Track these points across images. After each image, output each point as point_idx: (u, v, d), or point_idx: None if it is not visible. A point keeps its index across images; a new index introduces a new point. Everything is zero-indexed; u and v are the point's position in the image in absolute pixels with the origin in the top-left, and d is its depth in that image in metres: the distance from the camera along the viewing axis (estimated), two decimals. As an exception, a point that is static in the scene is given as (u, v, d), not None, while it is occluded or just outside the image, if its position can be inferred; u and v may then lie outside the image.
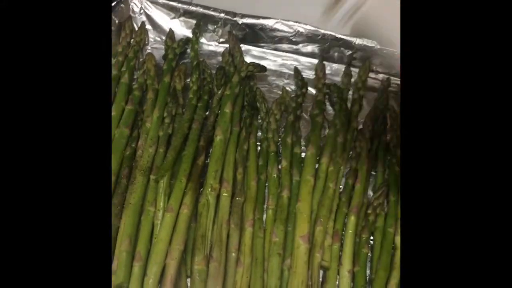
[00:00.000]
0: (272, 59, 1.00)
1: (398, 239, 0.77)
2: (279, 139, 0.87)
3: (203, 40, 1.00)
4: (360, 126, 0.90)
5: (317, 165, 0.83)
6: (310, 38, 0.97)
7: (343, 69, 0.98)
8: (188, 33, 0.99)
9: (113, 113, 0.83)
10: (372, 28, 0.96)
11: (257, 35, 0.98)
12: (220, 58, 0.97)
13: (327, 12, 0.97)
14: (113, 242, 0.72)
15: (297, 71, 0.96)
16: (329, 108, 0.94)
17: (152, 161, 0.80)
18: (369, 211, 0.80)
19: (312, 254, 0.74)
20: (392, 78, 0.98)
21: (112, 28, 0.96)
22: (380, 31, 0.95)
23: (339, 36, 0.97)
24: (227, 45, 0.98)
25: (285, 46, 0.99)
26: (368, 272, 0.77)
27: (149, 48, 0.98)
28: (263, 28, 0.98)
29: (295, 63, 0.99)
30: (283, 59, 1.00)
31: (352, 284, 0.75)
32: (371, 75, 0.98)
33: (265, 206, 0.80)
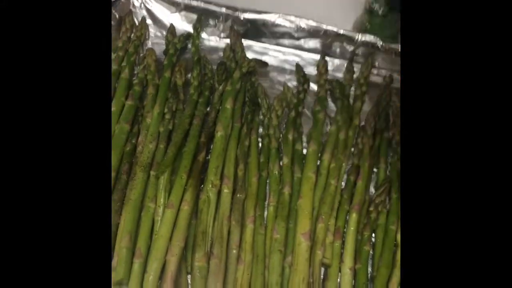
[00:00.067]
0: (273, 55, 0.99)
1: (400, 237, 0.77)
2: (281, 136, 0.86)
3: (204, 35, 0.99)
4: (362, 123, 0.90)
5: (318, 162, 0.83)
6: (312, 33, 0.97)
7: (345, 65, 0.97)
8: (189, 28, 0.98)
9: (113, 109, 0.83)
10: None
11: (259, 30, 0.98)
12: (221, 54, 0.97)
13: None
14: (113, 239, 0.71)
15: (298, 67, 0.96)
16: (331, 104, 0.93)
17: (153, 157, 0.79)
18: (371, 209, 0.79)
19: (313, 251, 0.74)
20: (394, 74, 0.97)
21: (112, 22, 0.95)
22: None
23: (341, 31, 0.96)
24: (228, 40, 0.97)
25: (286, 41, 0.99)
26: (369, 269, 0.76)
27: (150, 43, 0.98)
28: (264, 23, 0.97)
29: (297, 58, 0.98)
30: (284, 55, 0.99)
31: (353, 281, 0.74)
32: (374, 71, 0.97)
33: (266, 203, 0.79)
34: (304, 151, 0.85)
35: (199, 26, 0.97)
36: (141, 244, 0.71)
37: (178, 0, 0.98)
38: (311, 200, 0.77)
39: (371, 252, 0.77)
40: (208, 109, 0.87)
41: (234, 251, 0.73)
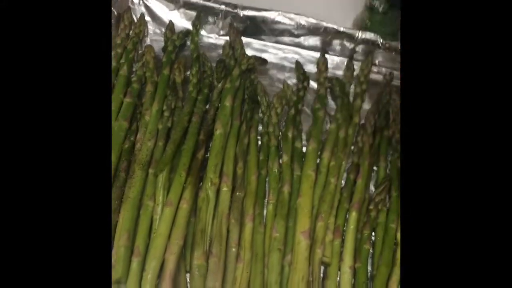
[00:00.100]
0: (273, 52, 0.98)
1: (400, 235, 0.77)
2: (280, 133, 0.85)
3: (203, 32, 0.98)
4: (362, 121, 0.89)
5: (318, 160, 0.82)
6: (312, 31, 0.96)
7: (345, 63, 0.97)
8: (188, 25, 0.97)
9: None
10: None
11: (258, 28, 0.97)
12: (220, 51, 0.96)
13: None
14: (112, 237, 0.71)
15: (298, 65, 0.95)
16: (331, 102, 0.93)
17: (151, 155, 0.79)
18: (371, 207, 0.79)
19: (313, 250, 0.73)
20: (395, 72, 0.96)
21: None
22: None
23: (341, 29, 0.95)
24: (227, 38, 0.96)
25: (286, 39, 0.98)
26: (369, 268, 0.76)
27: (148, 40, 0.97)
28: (264, 21, 0.96)
29: (297, 56, 0.98)
30: (284, 52, 0.98)
31: (353, 280, 0.74)
32: (374, 69, 0.97)
33: (265, 201, 0.78)
34: (304, 149, 0.84)
35: (198, 23, 0.96)
36: (139, 242, 0.71)
37: (177, -3, 0.97)
38: (310, 198, 0.77)
39: (371, 250, 0.77)
40: (207, 106, 0.86)
41: (233, 250, 0.72)
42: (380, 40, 0.95)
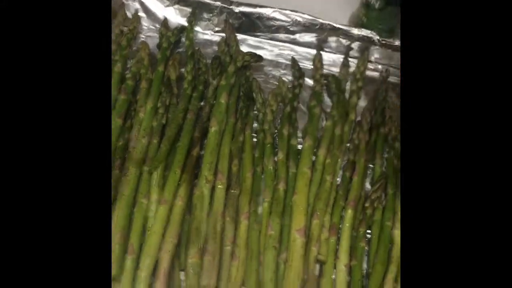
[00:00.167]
0: (268, 49, 0.98)
1: (395, 233, 0.76)
2: (276, 131, 0.85)
3: (198, 28, 0.98)
4: (358, 118, 0.89)
5: (314, 157, 0.82)
6: (308, 27, 0.96)
7: (341, 60, 0.96)
8: (183, 22, 0.96)
9: (105, 103, 0.81)
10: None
11: (254, 24, 0.96)
12: (215, 48, 0.95)
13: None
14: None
15: (294, 61, 0.94)
16: (326, 99, 0.92)
17: (146, 152, 0.78)
18: (367, 205, 0.79)
19: (308, 248, 0.73)
20: (391, 69, 0.96)
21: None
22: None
23: (337, 25, 0.95)
24: (223, 34, 0.96)
25: (282, 35, 0.97)
26: (365, 266, 0.76)
27: (143, 36, 0.96)
28: (259, 17, 0.96)
29: (292, 53, 0.97)
30: (280, 49, 0.98)
31: (348, 278, 0.73)
32: (370, 65, 0.96)
33: (260, 199, 0.78)
34: (299, 146, 0.84)
35: (193, 19, 0.95)
36: (133, 240, 0.70)
37: (171, -7, 0.96)
38: (306, 196, 0.76)
39: (366, 248, 0.77)
40: (202, 103, 0.86)
41: (228, 247, 0.72)
42: (376, 37, 0.95)
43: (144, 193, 0.74)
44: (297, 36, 0.97)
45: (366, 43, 0.95)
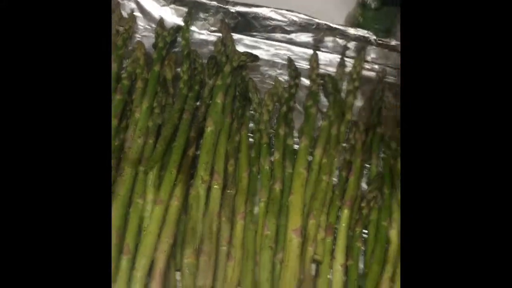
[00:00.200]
0: (265, 49, 0.97)
1: (392, 233, 0.76)
2: (272, 131, 0.85)
3: (194, 28, 0.98)
4: (355, 118, 0.89)
5: (310, 157, 0.82)
6: (304, 27, 0.95)
7: (337, 59, 0.96)
8: (179, 21, 0.96)
9: (101, 103, 0.81)
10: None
11: (250, 24, 0.96)
12: (211, 47, 0.95)
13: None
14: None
15: (290, 61, 0.94)
16: (323, 99, 0.92)
17: (141, 152, 0.78)
18: (363, 205, 0.79)
19: (304, 248, 0.73)
20: (387, 68, 0.96)
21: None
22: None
23: (334, 25, 0.95)
24: (219, 34, 0.96)
25: (278, 35, 0.97)
26: (361, 266, 0.76)
27: (139, 36, 0.96)
28: (255, 17, 0.95)
29: (289, 53, 0.97)
30: (276, 49, 0.98)
31: (345, 278, 0.73)
32: (366, 65, 0.96)
33: (257, 199, 0.78)
34: (296, 146, 0.84)
35: (189, 19, 0.95)
36: (129, 240, 0.70)
37: (167, -8, 0.96)
38: (302, 196, 0.76)
39: (362, 248, 0.77)
40: (198, 103, 0.85)
41: (224, 248, 0.72)
42: (372, 37, 0.95)
43: (139, 193, 0.74)
44: (293, 36, 0.97)
45: (363, 43, 0.95)
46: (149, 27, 0.97)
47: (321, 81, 0.92)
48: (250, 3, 0.95)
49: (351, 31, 0.95)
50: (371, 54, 0.97)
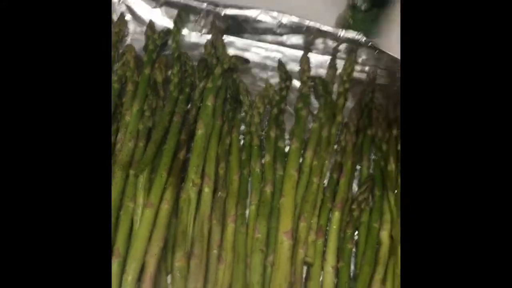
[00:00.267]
0: (255, 51, 0.97)
1: (383, 234, 0.76)
2: (263, 133, 0.85)
3: (184, 31, 0.97)
4: (346, 120, 0.89)
5: (301, 160, 0.82)
6: (295, 29, 0.95)
7: (328, 61, 0.96)
8: (170, 24, 0.96)
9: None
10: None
11: (240, 27, 0.96)
12: (202, 50, 0.95)
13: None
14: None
15: (281, 64, 0.94)
16: (314, 101, 0.92)
17: (132, 155, 0.78)
18: (354, 206, 0.79)
19: (295, 250, 0.73)
20: (378, 70, 0.96)
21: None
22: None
23: (324, 28, 0.95)
24: (209, 36, 0.95)
25: (269, 37, 0.97)
26: (352, 267, 0.76)
27: (129, 39, 0.95)
28: (246, 19, 0.95)
29: (279, 55, 0.97)
30: (267, 51, 0.97)
31: (336, 280, 0.74)
32: (357, 67, 0.96)
33: (247, 202, 0.78)
34: (287, 148, 0.84)
35: (179, 22, 0.95)
36: (119, 243, 0.70)
37: (157, -6, 0.96)
38: (293, 198, 0.76)
39: (353, 250, 0.77)
40: (189, 106, 0.85)
41: (215, 251, 0.71)
42: (363, 39, 0.95)
43: (130, 196, 0.74)
44: (284, 38, 0.97)
45: (353, 44, 0.95)
46: (139, 30, 0.96)
47: (312, 83, 0.92)
48: (240, 5, 0.95)
49: (342, 33, 0.95)
50: (362, 55, 0.97)
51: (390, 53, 0.87)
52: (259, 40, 0.98)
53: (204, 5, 0.95)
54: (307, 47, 0.97)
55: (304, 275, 0.74)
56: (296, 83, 0.93)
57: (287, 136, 0.86)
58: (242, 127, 0.86)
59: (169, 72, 0.89)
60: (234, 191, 0.77)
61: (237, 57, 0.90)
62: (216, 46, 0.92)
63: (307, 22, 0.95)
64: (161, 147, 0.79)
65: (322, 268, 0.74)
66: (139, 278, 0.68)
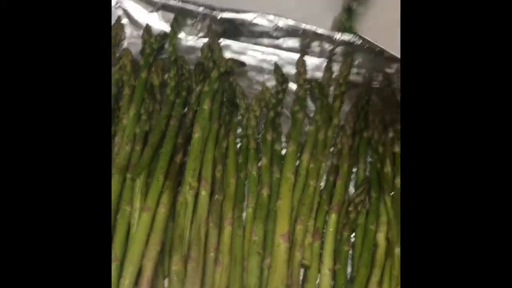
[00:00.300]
0: (252, 54, 0.97)
1: (379, 236, 0.77)
2: (260, 136, 0.85)
3: (181, 35, 0.97)
4: (342, 122, 0.89)
5: (298, 162, 0.82)
6: (291, 32, 0.95)
7: (324, 64, 0.97)
8: (166, 28, 0.96)
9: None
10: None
11: (237, 30, 0.96)
12: (199, 53, 0.95)
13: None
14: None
15: (277, 67, 0.95)
16: (310, 104, 0.92)
17: (129, 159, 0.78)
18: (350, 209, 0.79)
19: (292, 253, 0.73)
20: (374, 73, 0.96)
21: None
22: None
23: (320, 31, 0.95)
24: (206, 40, 0.96)
25: (265, 41, 0.97)
26: (349, 270, 0.76)
27: (126, 43, 0.96)
28: (242, 23, 0.95)
29: (276, 58, 0.97)
30: (263, 54, 0.98)
31: (333, 282, 0.74)
32: (353, 70, 0.96)
33: (244, 204, 0.78)
34: (283, 151, 0.84)
35: (176, 25, 0.95)
36: (117, 247, 0.70)
37: (154, -1, 0.96)
38: (290, 201, 0.77)
39: (350, 252, 0.77)
40: (186, 110, 0.86)
41: (212, 254, 0.72)
42: (358, 42, 0.95)
43: (127, 200, 0.74)
44: (280, 41, 0.97)
45: (349, 47, 0.96)
46: (136, 34, 0.97)
47: (308, 86, 0.92)
48: (237, 9, 0.95)
49: (338, 36, 0.95)
50: (358, 58, 0.97)
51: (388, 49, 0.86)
52: (256, 43, 0.98)
53: (201, 8, 0.95)
54: (303, 50, 0.97)
55: (301, 278, 0.74)
56: (293, 86, 0.94)
57: (283, 139, 0.86)
58: (239, 130, 0.86)
59: (166, 76, 0.89)
60: (231, 194, 0.77)
61: (233, 60, 0.91)
62: (212, 49, 0.93)
63: (303, 25, 0.95)
64: (158, 150, 0.79)
65: (319, 271, 0.74)
66: (136, 282, 0.68)
